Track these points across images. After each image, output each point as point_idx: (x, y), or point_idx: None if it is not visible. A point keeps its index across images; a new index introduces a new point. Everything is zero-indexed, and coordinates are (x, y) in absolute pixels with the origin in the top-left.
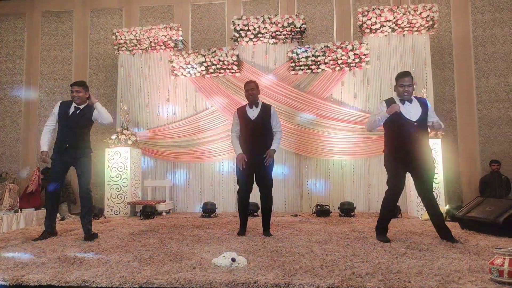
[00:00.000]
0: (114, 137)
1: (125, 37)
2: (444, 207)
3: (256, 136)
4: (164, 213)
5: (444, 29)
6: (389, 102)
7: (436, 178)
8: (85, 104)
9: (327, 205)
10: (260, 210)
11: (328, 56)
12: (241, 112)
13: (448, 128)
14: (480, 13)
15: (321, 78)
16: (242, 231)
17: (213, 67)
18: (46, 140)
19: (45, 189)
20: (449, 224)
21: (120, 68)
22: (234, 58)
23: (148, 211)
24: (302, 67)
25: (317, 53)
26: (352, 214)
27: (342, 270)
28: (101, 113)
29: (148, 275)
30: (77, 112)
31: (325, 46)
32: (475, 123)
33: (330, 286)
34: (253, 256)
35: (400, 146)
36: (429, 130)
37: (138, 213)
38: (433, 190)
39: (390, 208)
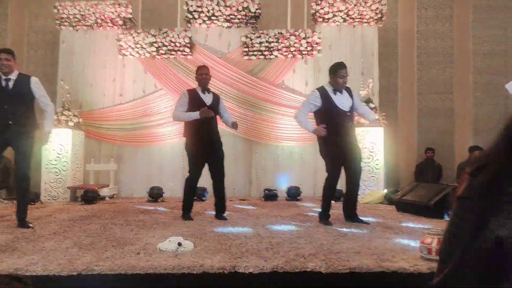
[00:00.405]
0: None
1: (68, 11)
2: (382, 191)
3: (211, 123)
4: (107, 198)
5: (391, 22)
6: (321, 90)
7: (377, 164)
8: (16, 74)
9: (275, 190)
10: (208, 195)
11: (281, 43)
12: (194, 95)
13: (390, 117)
14: (425, 9)
15: (274, 64)
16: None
17: (164, 48)
18: None
19: None
20: (386, 207)
21: (61, 44)
22: (187, 40)
23: (89, 196)
24: (255, 53)
25: (270, 39)
26: (298, 198)
27: (286, 252)
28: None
29: (88, 261)
30: (9, 83)
31: (278, 33)
32: (414, 113)
33: (274, 267)
34: (200, 240)
35: (335, 135)
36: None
37: (79, 199)
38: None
39: (331, 195)
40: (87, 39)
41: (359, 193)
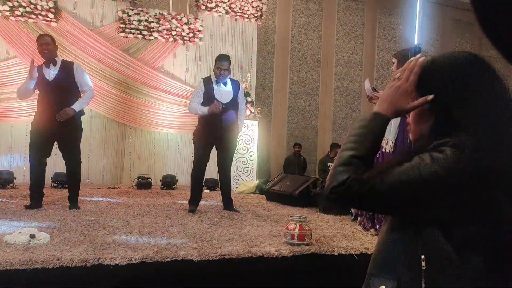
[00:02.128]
0: None
1: None
2: (254, 181)
3: (57, 99)
4: None
5: (270, 22)
6: (206, 80)
7: (251, 156)
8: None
9: (149, 178)
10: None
11: (162, 25)
12: (38, 72)
13: (264, 112)
14: (299, 14)
15: (153, 46)
16: None
17: (21, 9)
18: None
19: None
20: (258, 196)
21: None
22: (51, 4)
23: None
24: (133, 31)
25: (150, 19)
26: (174, 187)
27: (158, 241)
28: None
29: None
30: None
31: (159, 13)
32: (285, 110)
33: (144, 258)
34: (58, 232)
35: (209, 125)
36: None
37: None
38: (247, 166)
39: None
40: None
41: (234, 183)
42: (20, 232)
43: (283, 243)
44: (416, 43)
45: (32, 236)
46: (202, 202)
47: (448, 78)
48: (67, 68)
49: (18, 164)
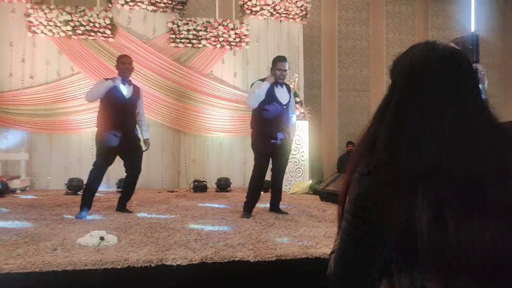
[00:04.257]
0: None
1: None
2: (307, 182)
3: (128, 115)
4: (18, 191)
5: (315, 20)
6: (263, 80)
7: (303, 156)
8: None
9: (204, 181)
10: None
11: (210, 32)
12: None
13: (314, 112)
14: (345, 10)
15: (202, 53)
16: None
17: (82, 28)
18: None
19: None
20: (311, 196)
21: None
22: (107, 21)
23: None
24: (183, 40)
25: (198, 28)
26: (228, 189)
27: (215, 243)
28: None
29: None
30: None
31: (207, 21)
32: (335, 108)
33: (203, 258)
34: (125, 234)
35: (269, 127)
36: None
37: None
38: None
39: (259, 187)
40: None
41: (286, 184)
42: (91, 235)
43: None
44: (473, 30)
45: (102, 239)
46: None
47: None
48: (136, 89)
49: (87, 172)
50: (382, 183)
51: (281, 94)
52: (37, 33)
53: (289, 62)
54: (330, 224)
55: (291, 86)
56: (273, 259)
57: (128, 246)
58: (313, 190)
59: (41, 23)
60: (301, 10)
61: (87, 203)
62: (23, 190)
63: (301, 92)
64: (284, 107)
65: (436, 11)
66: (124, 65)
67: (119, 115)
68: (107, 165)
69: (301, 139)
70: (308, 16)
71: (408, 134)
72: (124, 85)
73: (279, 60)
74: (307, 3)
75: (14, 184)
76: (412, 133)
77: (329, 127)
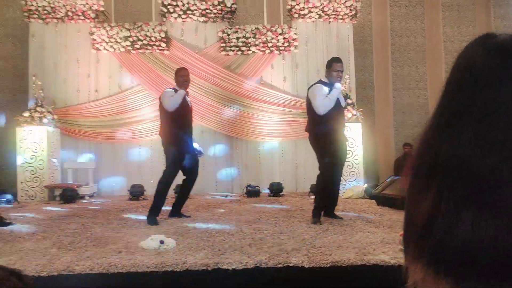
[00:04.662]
0: (26, 114)
1: (37, 3)
2: (362, 186)
3: (192, 123)
4: (87, 197)
5: (366, 19)
6: (323, 84)
7: (357, 159)
8: None
9: (257, 186)
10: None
11: (259, 39)
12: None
13: (367, 113)
14: (397, 6)
15: (252, 60)
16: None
17: (139, 42)
18: None
19: None
20: (367, 201)
21: (31, 38)
22: (162, 35)
23: (68, 195)
24: (232, 48)
25: (247, 35)
26: (280, 194)
27: (269, 247)
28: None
29: (68, 261)
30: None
31: (255, 28)
32: (390, 109)
33: (257, 263)
34: (182, 238)
35: (335, 130)
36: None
37: (58, 198)
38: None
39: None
40: (58, 32)
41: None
42: (151, 239)
43: (399, 251)
44: None
45: (162, 242)
46: (309, 208)
47: None
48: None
49: (147, 178)
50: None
51: (341, 96)
52: (100, 49)
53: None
54: (388, 230)
55: (342, 87)
56: (328, 265)
57: (186, 250)
58: (369, 194)
59: (103, 40)
60: (350, 10)
61: (158, 211)
62: (91, 196)
63: (352, 93)
64: (344, 108)
65: (497, 0)
66: (183, 77)
67: (189, 123)
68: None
69: (355, 142)
70: (358, 15)
71: (461, 137)
72: (187, 96)
73: (335, 61)
74: (356, 2)
75: (83, 190)
76: (465, 137)
77: (383, 128)
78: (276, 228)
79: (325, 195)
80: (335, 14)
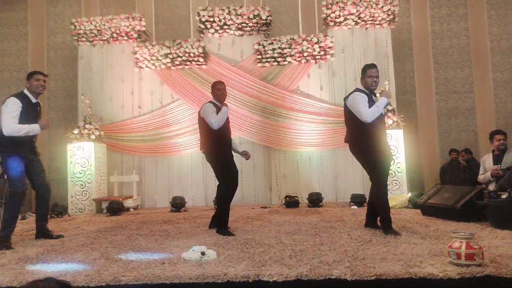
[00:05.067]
0: (76, 131)
1: (85, 27)
2: (406, 195)
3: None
4: (131, 209)
5: (404, 22)
6: (362, 91)
7: (399, 168)
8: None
9: (296, 196)
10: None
11: (294, 49)
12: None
13: (409, 119)
14: (438, 8)
15: (288, 70)
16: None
17: (179, 59)
18: None
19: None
20: (411, 211)
21: (80, 59)
22: (200, 50)
23: (114, 208)
24: (268, 60)
25: (283, 46)
26: (320, 204)
27: (310, 259)
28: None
29: (115, 272)
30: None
31: (291, 39)
32: (434, 114)
33: (298, 275)
34: (223, 249)
35: (380, 138)
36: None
37: (105, 210)
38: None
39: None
40: (104, 53)
41: None
42: (193, 250)
43: (448, 263)
44: None
45: (203, 254)
46: (350, 219)
47: None
48: None
49: (187, 190)
50: None
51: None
52: (142, 67)
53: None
54: (435, 241)
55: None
56: (372, 278)
57: (227, 261)
58: (413, 204)
59: (145, 58)
60: (388, 14)
61: (227, 222)
62: (135, 208)
63: (392, 99)
64: (385, 115)
65: None
66: (220, 90)
67: (229, 134)
68: None
69: (396, 149)
70: (396, 19)
71: None
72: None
73: (369, 68)
74: (394, 6)
75: (128, 203)
76: None
77: (427, 134)
78: (316, 239)
79: (387, 206)
80: (372, 20)
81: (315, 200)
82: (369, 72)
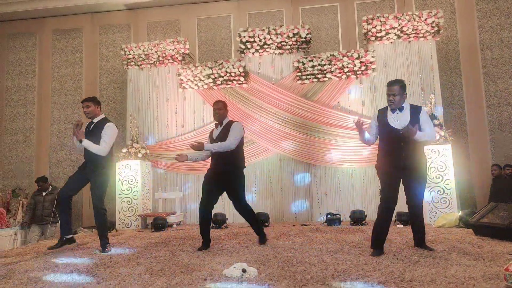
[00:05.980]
0: (124, 150)
1: (134, 52)
2: (456, 213)
3: (218, 155)
4: (175, 225)
5: (450, 34)
6: (381, 110)
7: (448, 184)
8: (99, 118)
9: (338, 214)
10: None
11: (334, 65)
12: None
13: (458, 133)
14: (486, 18)
15: (328, 86)
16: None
17: (220, 79)
18: None
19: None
20: (462, 230)
21: (129, 82)
22: (241, 70)
23: (159, 223)
24: (308, 76)
25: (323, 62)
26: (363, 222)
27: (354, 280)
28: (89, 147)
29: (159, 287)
30: (91, 127)
31: (330, 55)
32: (485, 127)
33: None
34: (264, 267)
35: (389, 155)
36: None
37: (149, 226)
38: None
39: (387, 219)
40: (151, 76)
41: (430, 216)
42: (234, 267)
43: (504, 287)
44: None
45: (244, 271)
46: (395, 238)
47: None
48: (227, 127)
49: (228, 206)
50: None
51: (395, 120)
52: (186, 88)
53: (401, 86)
54: (489, 263)
55: (426, 108)
56: None
57: (268, 279)
58: (465, 223)
59: (189, 79)
60: (432, 27)
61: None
62: (178, 224)
63: (439, 112)
64: (401, 132)
65: None
66: (214, 111)
67: (214, 154)
68: None
69: (444, 165)
70: (441, 32)
71: None
72: (216, 128)
73: (387, 85)
74: (438, 18)
75: (171, 219)
76: None
77: (478, 149)
78: (360, 258)
79: (377, 228)
80: (415, 33)
81: (358, 218)
82: (386, 90)
